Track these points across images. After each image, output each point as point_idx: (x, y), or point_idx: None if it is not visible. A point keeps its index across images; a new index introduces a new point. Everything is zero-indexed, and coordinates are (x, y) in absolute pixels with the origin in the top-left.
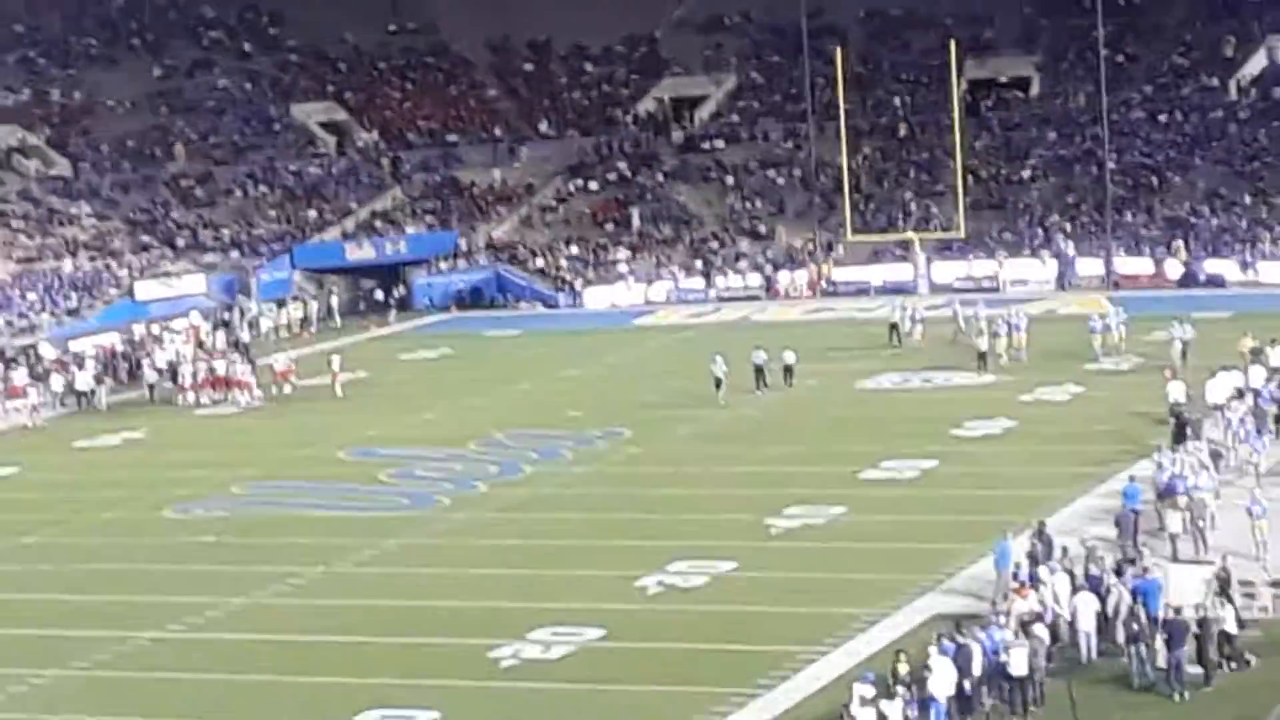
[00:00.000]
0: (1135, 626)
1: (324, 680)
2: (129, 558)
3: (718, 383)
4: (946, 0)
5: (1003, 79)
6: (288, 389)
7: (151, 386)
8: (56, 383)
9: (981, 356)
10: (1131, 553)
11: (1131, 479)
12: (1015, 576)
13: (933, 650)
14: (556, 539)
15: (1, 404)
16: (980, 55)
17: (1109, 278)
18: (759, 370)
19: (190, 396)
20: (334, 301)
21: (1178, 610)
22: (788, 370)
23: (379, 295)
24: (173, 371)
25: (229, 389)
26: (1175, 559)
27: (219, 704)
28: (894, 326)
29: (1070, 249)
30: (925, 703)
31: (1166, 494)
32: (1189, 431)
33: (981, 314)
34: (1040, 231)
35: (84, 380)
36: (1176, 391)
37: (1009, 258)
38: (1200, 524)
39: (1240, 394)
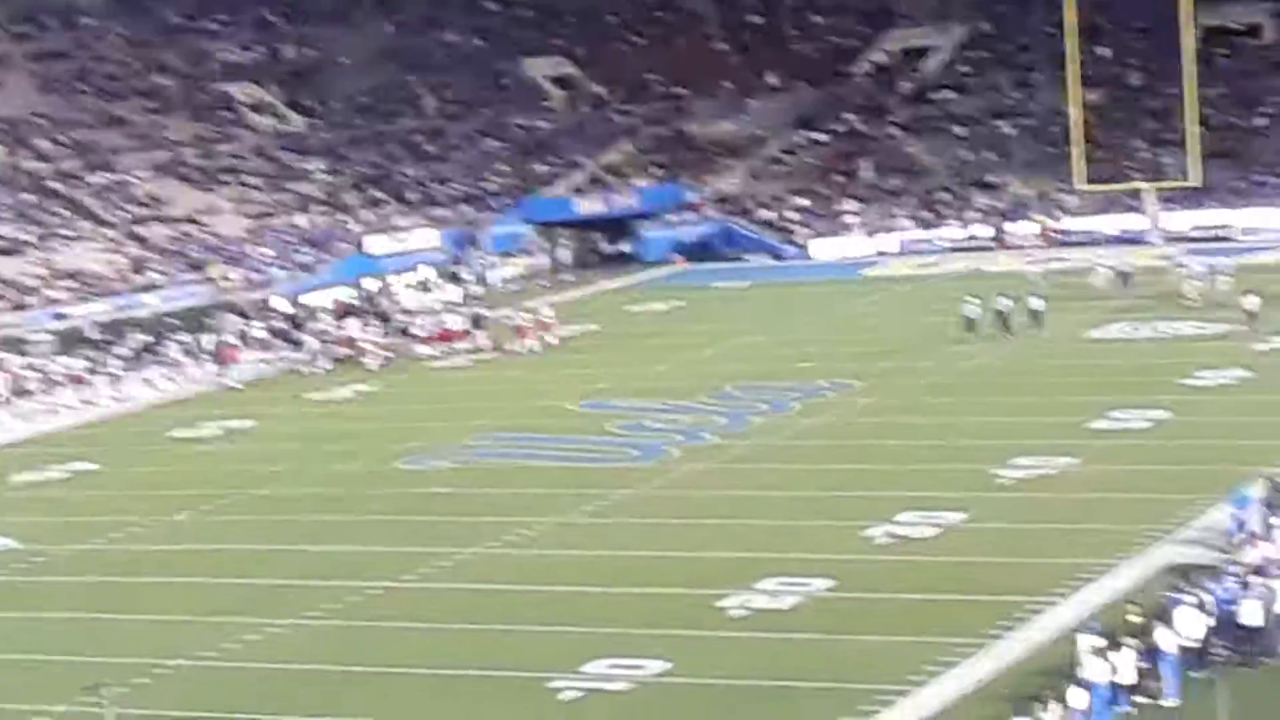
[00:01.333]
0: None
1: (554, 629)
2: (362, 509)
3: (969, 324)
4: None
5: (1235, 25)
6: (550, 339)
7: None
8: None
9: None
10: None
11: None
12: (1246, 527)
13: (1170, 600)
14: (785, 490)
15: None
16: (1213, 2)
17: None
18: (1001, 315)
19: (425, 349)
20: (563, 254)
21: None
22: (1035, 315)
23: (608, 248)
24: (404, 326)
25: (459, 340)
26: None
27: (452, 653)
28: (1123, 275)
29: None
30: (1155, 654)
31: None
32: None
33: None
34: (1275, 179)
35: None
36: None
37: (1244, 206)
38: None
39: None
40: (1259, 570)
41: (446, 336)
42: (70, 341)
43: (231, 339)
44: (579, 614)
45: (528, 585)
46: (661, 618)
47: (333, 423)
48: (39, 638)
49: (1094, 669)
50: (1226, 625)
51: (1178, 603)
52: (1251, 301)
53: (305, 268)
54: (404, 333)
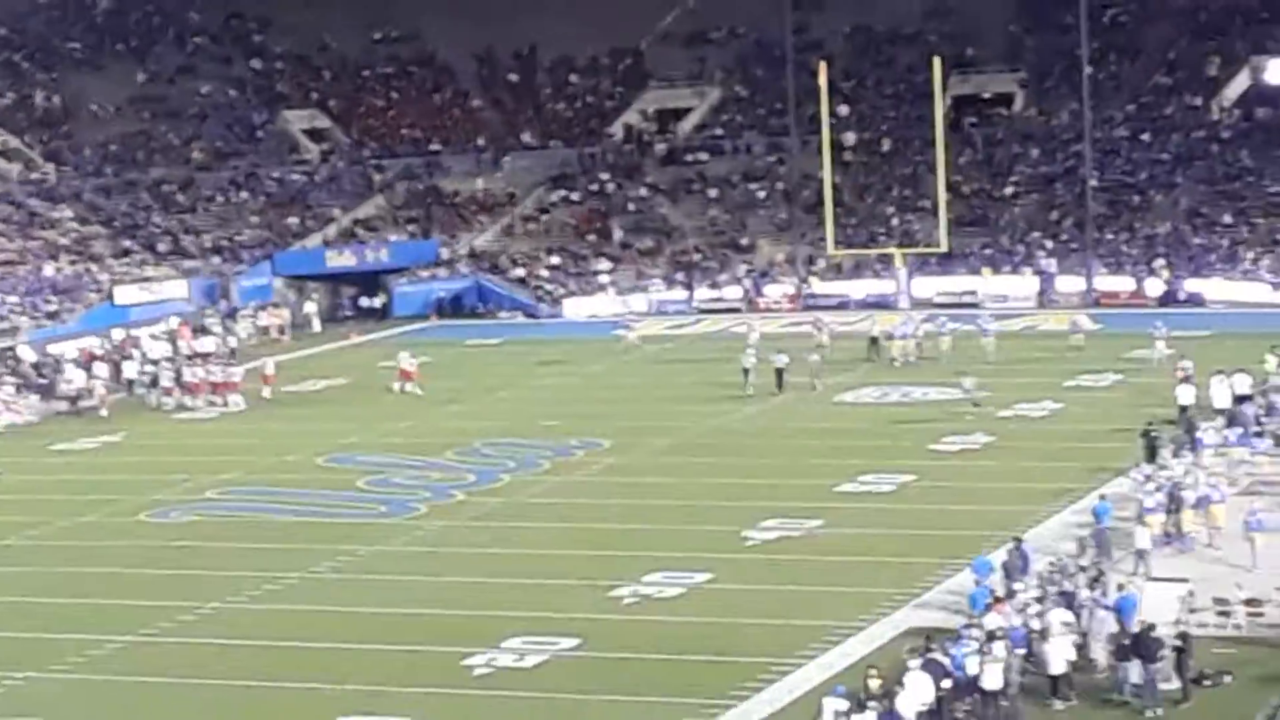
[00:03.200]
0: (1124, 641)
1: (299, 686)
2: (105, 561)
3: (745, 373)
4: (931, 16)
5: (986, 95)
6: (266, 393)
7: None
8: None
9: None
10: (1106, 569)
11: (1102, 497)
12: (987, 593)
13: (909, 664)
14: (533, 548)
15: None
16: (964, 71)
17: (1089, 295)
18: (779, 372)
19: (170, 400)
20: (313, 308)
21: (1152, 627)
22: (779, 374)
23: (361, 302)
24: (153, 377)
25: (220, 391)
26: (1148, 576)
27: (193, 709)
28: (874, 340)
29: (1052, 266)
30: (895, 717)
31: (1198, 504)
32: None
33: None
34: (1022, 248)
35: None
36: (1186, 395)
37: (990, 274)
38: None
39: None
40: (998, 634)
41: (208, 387)
42: None
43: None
44: (324, 670)
45: (273, 640)
46: (408, 675)
47: (77, 473)
48: None
49: None
50: (966, 689)
51: (919, 666)
52: (969, 382)
53: (52, 316)
54: (152, 383)
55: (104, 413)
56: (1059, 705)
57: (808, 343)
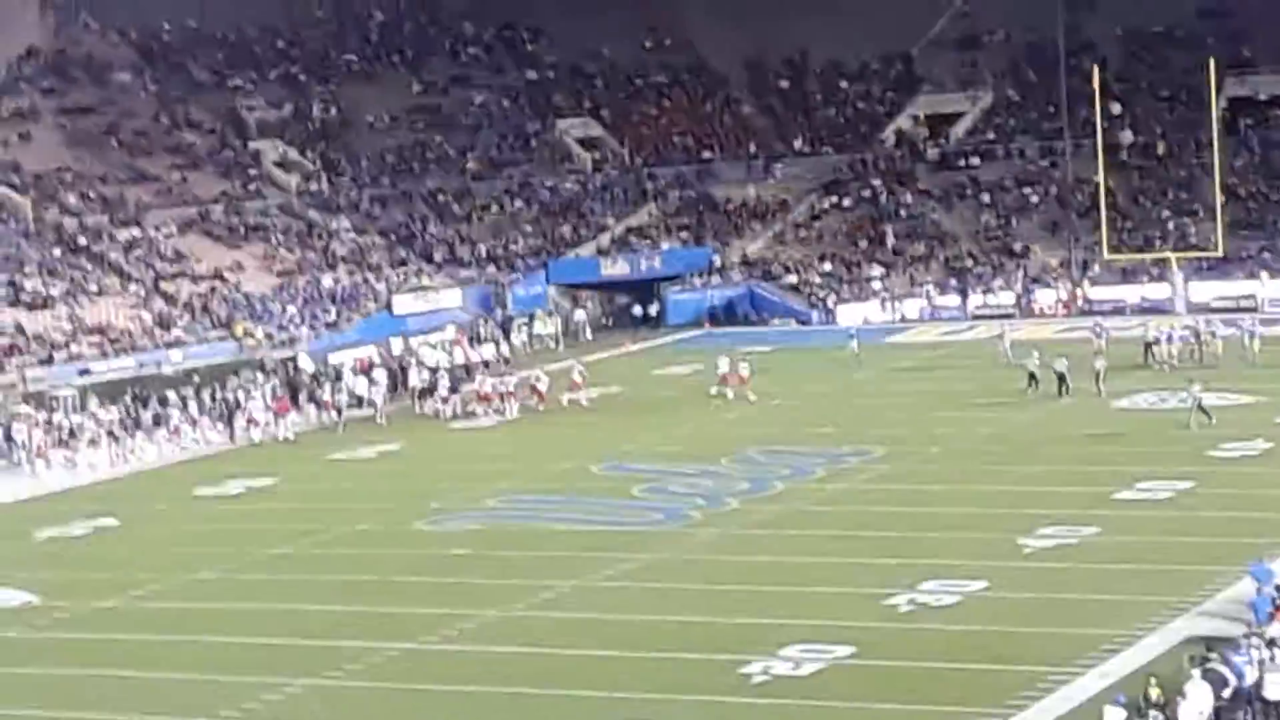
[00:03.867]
0: None
1: (576, 693)
2: (382, 569)
3: (1031, 378)
4: (1206, 18)
5: (1263, 97)
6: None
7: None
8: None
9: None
10: None
11: None
12: (1269, 601)
13: (1189, 673)
14: (807, 556)
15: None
16: (1240, 73)
17: None
18: (1061, 376)
19: (447, 409)
20: (583, 317)
21: None
22: (1061, 378)
23: (635, 310)
24: (430, 384)
25: (498, 401)
26: None
27: (473, 715)
28: (1148, 346)
29: None
30: None
31: None
32: None
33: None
34: None
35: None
36: None
37: (1269, 277)
38: None
39: None
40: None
41: (486, 398)
42: (95, 396)
43: (288, 390)
44: (600, 679)
45: (549, 648)
46: (684, 683)
47: (355, 482)
48: (55, 694)
49: None
50: (1249, 698)
51: (1199, 675)
52: (1197, 388)
53: (331, 326)
54: (429, 392)
55: (381, 421)
56: None
57: (1086, 348)
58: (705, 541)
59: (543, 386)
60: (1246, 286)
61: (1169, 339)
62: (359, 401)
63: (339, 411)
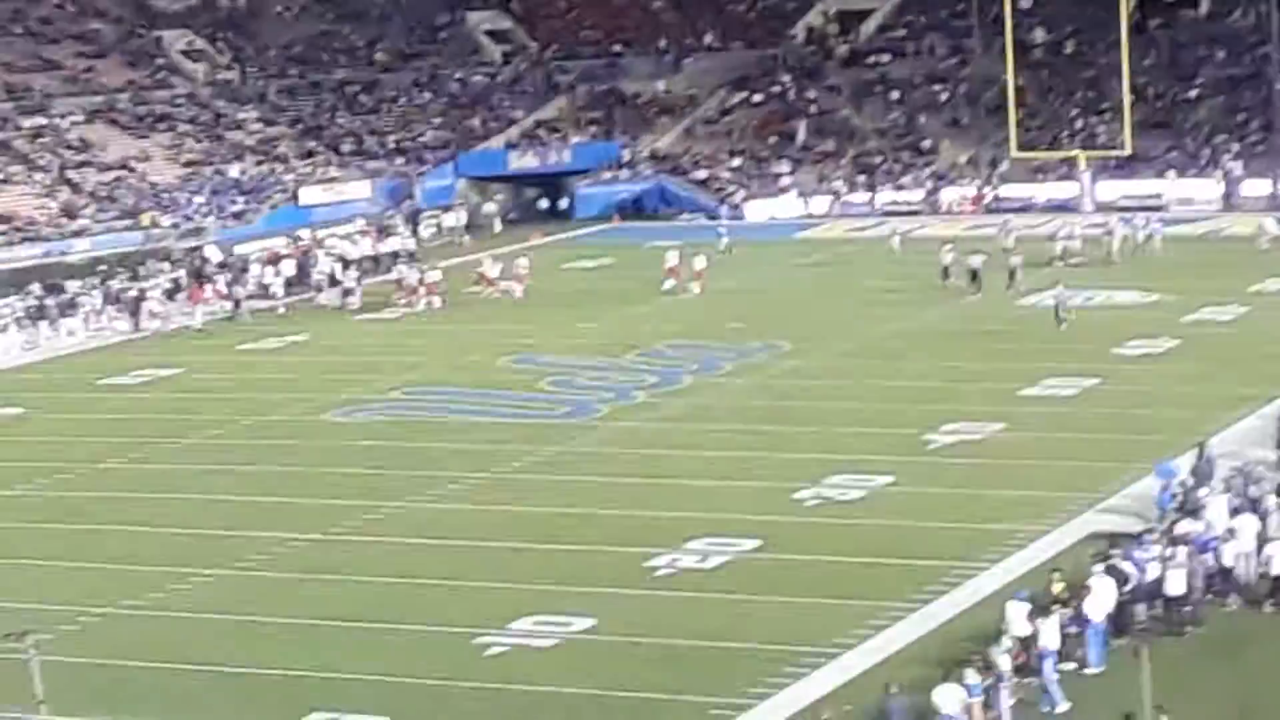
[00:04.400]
0: None
1: (480, 584)
2: (290, 460)
3: (944, 271)
4: None
5: None
6: (437, 303)
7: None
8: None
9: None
10: None
11: None
12: (1172, 496)
13: (1093, 569)
14: (713, 450)
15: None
16: None
17: (1276, 198)
18: (974, 273)
19: (354, 300)
20: (494, 209)
21: None
22: (974, 275)
23: (542, 204)
24: (330, 277)
25: (432, 292)
26: None
27: (377, 606)
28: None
29: (1237, 169)
30: (1081, 621)
31: None
32: None
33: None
34: (1207, 151)
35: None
36: None
37: (1175, 177)
38: None
39: None
40: (1184, 539)
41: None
42: (1, 285)
43: (195, 280)
44: (506, 569)
45: (456, 539)
46: (588, 575)
47: (262, 372)
48: None
49: (1021, 634)
50: (1151, 594)
51: (1102, 571)
52: (1059, 289)
53: (238, 217)
54: (333, 282)
55: (282, 311)
56: (1269, 608)
57: (993, 245)
58: (612, 435)
59: (491, 273)
60: (1153, 186)
61: (1066, 236)
62: (265, 292)
63: (237, 304)
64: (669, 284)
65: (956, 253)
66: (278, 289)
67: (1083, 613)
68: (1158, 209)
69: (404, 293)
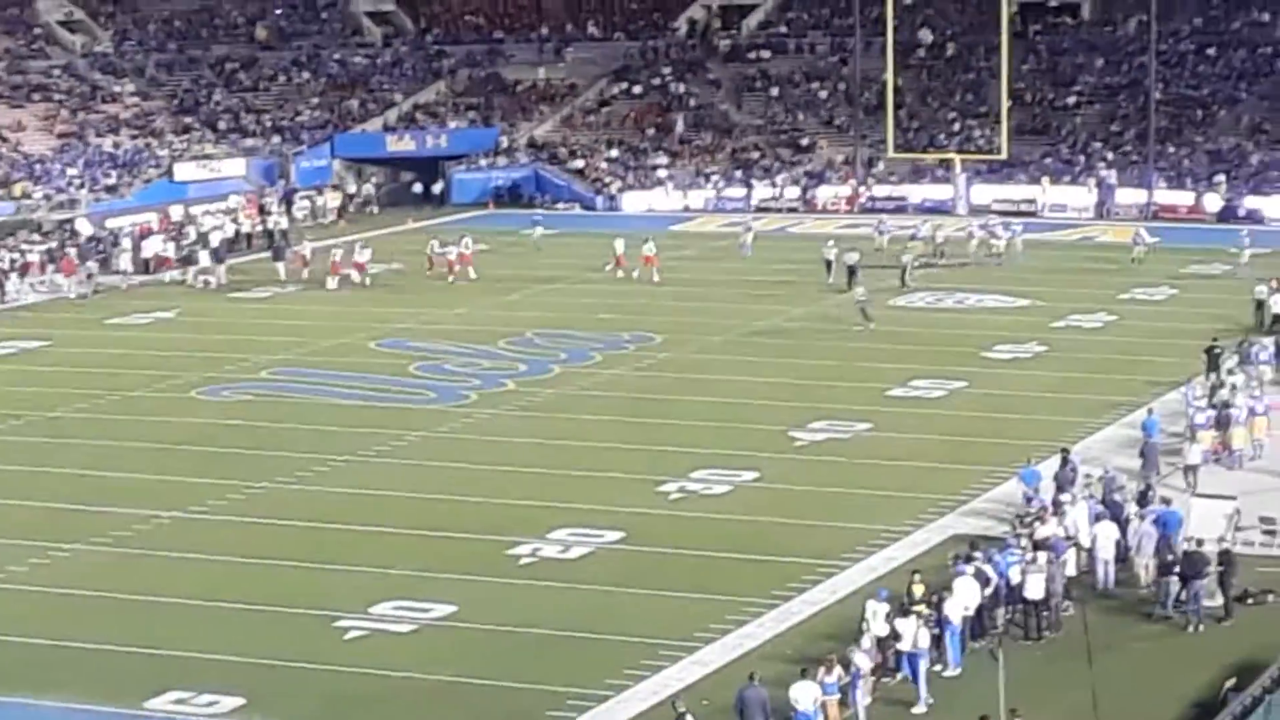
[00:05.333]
0: (1169, 557)
1: (343, 568)
2: (155, 437)
3: (827, 265)
4: None
5: (1053, 3)
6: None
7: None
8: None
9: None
10: (1154, 483)
11: (1150, 411)
12: (1034, 501)
13: (955, 570)
14: (581, 440)
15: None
16: None
17: (1148, 208)
18: (851, 270)
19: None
20: (370, 191)
21: (1199, 543)
22: (852, 272)
23: (418, 188)
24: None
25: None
26: (1194, 492)
27: (237, 586)
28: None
29: (1112, 177)
30: (940, 622)
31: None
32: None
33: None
34: (1082, 158)
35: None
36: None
37: (1050, 183)
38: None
39: None
40: (1044, 544)
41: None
42: None
43: (70, 251)
44: (368, 554)
45: (319, 522)
46: (451, 562)
47: (130, 348)
48: None
49: (881, 634)
50: (1009, 598)
51: (962, 573)
52: (861, 290)
53: (111, 190)
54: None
55: (127, 287)
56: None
57: (868, 245)
58: (479, 422)
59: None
60: (1028, 191)
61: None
62: (146, 266)
63: (89, 276)
64: (610, 268)
65: (839, 249)
66: (150, 264)
67: (942, 614)
68: (1032, 214)
69: (300, 264)
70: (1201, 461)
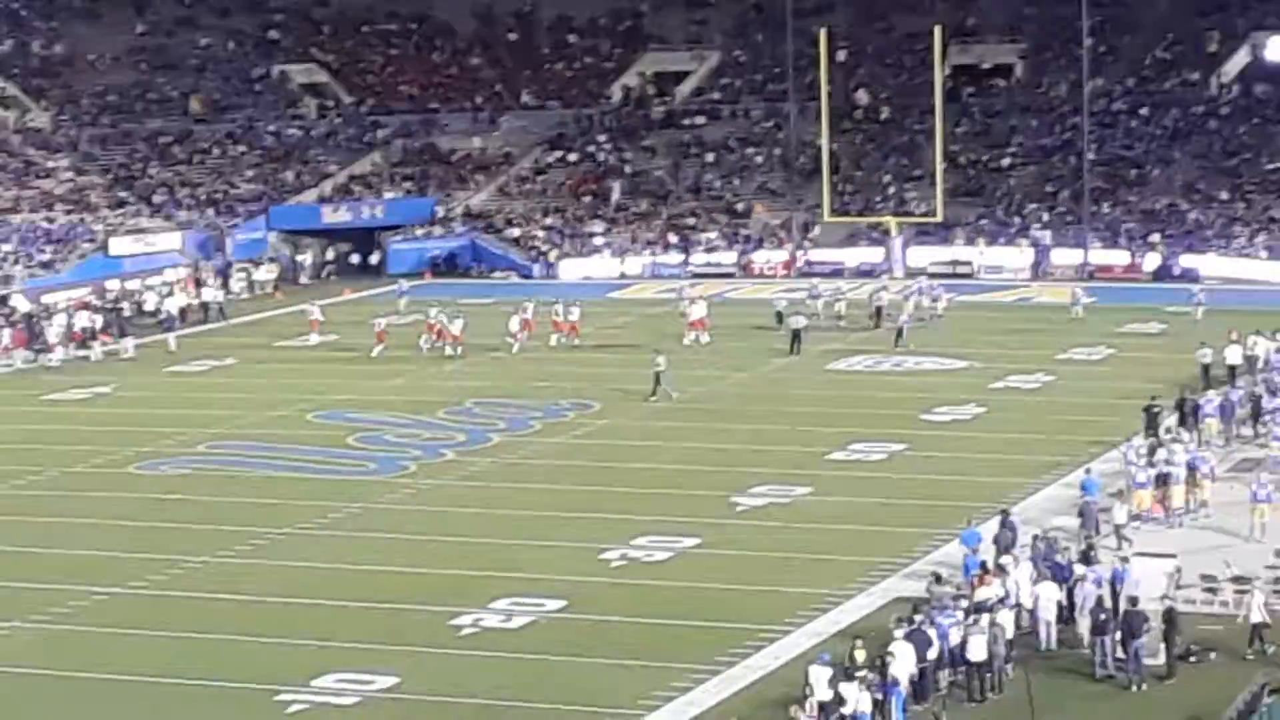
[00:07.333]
0: (1102, 616)
1: (284, 641)
2: (94, 512)
3: (795, 336)
4: None
5: (985, 65)
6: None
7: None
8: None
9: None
10: (1094, 543)
11: (1088, 471)
12: (980, 564)
13: (896, 633)
14: (522, 509)
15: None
16: (964, 41)
17: (1084, 268)
18: (796, 335)
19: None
20: (307, 263)
21: (1134, 601)
22: (796, 336)
23: (354, 259)
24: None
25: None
26: (1127, 552)
27: (177, 662)
28: (878, 309)
29: (1047, 238)
30: (883, 685)
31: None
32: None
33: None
34: (1018, 219)
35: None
36: (1234, 355)
37: (986, 245)
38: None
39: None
40: (985, 606)
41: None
42: None
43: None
44: (309, 626)
45: (259, 595)
46: (392, 633)
47: (68, 423)
48: None
49: (824, 698)
50: (952, 660)
51: (905, 635)
52: (662, 360)
53: (46, 266)
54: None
55: (88, 360)
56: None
57: (805, 309)
58: (419, 492)
59: (457, 329)
60: (963, 252)
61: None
62: (71, 341)
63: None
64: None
65: (789, 310)
66: (88, 339)
67: (885, 677)
68: (968, 275)
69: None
70: (1128, 521)
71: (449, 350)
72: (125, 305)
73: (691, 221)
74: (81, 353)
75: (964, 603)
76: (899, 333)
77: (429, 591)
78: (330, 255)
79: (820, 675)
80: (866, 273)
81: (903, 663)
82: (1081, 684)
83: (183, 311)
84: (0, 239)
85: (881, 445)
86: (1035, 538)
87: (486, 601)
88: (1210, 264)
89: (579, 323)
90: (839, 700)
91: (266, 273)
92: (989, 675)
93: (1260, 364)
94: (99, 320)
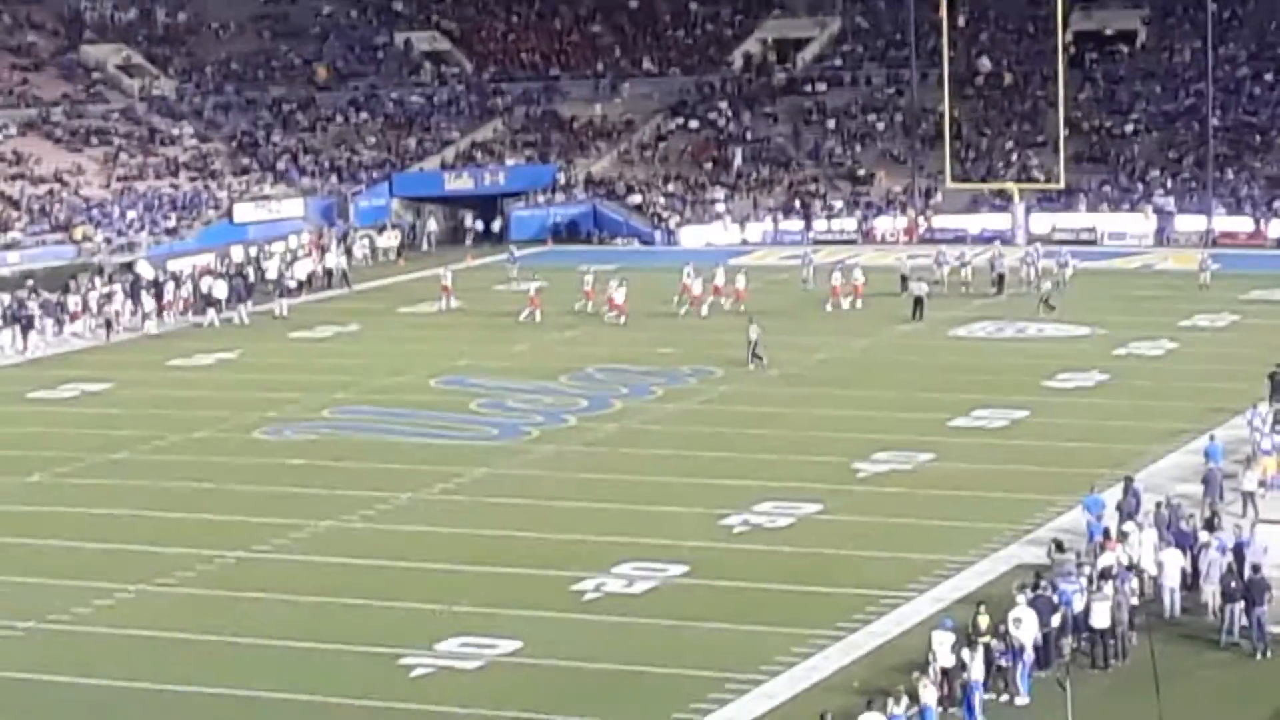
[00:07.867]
0: (1232, 584)
1: (407, 605)
2: (218, 477)
3: (917, 302)
4: None
5: (1109, 31)
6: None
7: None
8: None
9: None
10: (1219, 510)
11: (1212, 437)
12: (1103, 530)
13: (1019, 599)
14: (643, 475)
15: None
16: (1087, 7)
17: (1208, 235)
18: (918, 301)
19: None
20: (431, 229)
21: (1257, 569)
22: (919, 303)
23: (477, 226)
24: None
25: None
26: (1256, 518)
27: (303, 625)
28: (1001, 276)
29: (1170, 205)
30: (1007, 652)
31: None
32: None
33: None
34: (1140, 186)
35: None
36: None
37: (1109, 211)
38: None
39: None
40: (1109, 573)
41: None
42: None
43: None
44: (432, 591)
45: (383, 560)
46: (515, 598)
47: (192, 389)
48: None
49: (947, 664)
50: (1076, 627)
51: (1028, 602)
52: (754, 330)
53: (171, 232)
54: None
55: (215, 326)
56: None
57: (928, 275)
58: (541, 458)
59: (619, 298)
60: (1086, 219)
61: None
62: (205, 307)
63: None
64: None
65: (912, 275)
66: (213, 305)
67: (1008, 644)
68: (1091, 243)
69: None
70: (1258, 488)
71: (608, 318)
72: (250, 271)
73: (813, 188)
74: (199, 319)
75: (1086, 569)
76: (1044, 300)
77: (551, 556)
78: (467, 222)
79: (943, 641)
80: (989, 239)
81: (1027, 629)
82: (1206, 651)
83: (310, 277)
84: (126, 206)
85: (1004, 412)
86: (1159, 504)
87: (609, 566)
88: None
89: (744, 290)
90: (961, 666)
91: (389, 239)
92: (1113, 642)
93: None
94: (222, 286)
